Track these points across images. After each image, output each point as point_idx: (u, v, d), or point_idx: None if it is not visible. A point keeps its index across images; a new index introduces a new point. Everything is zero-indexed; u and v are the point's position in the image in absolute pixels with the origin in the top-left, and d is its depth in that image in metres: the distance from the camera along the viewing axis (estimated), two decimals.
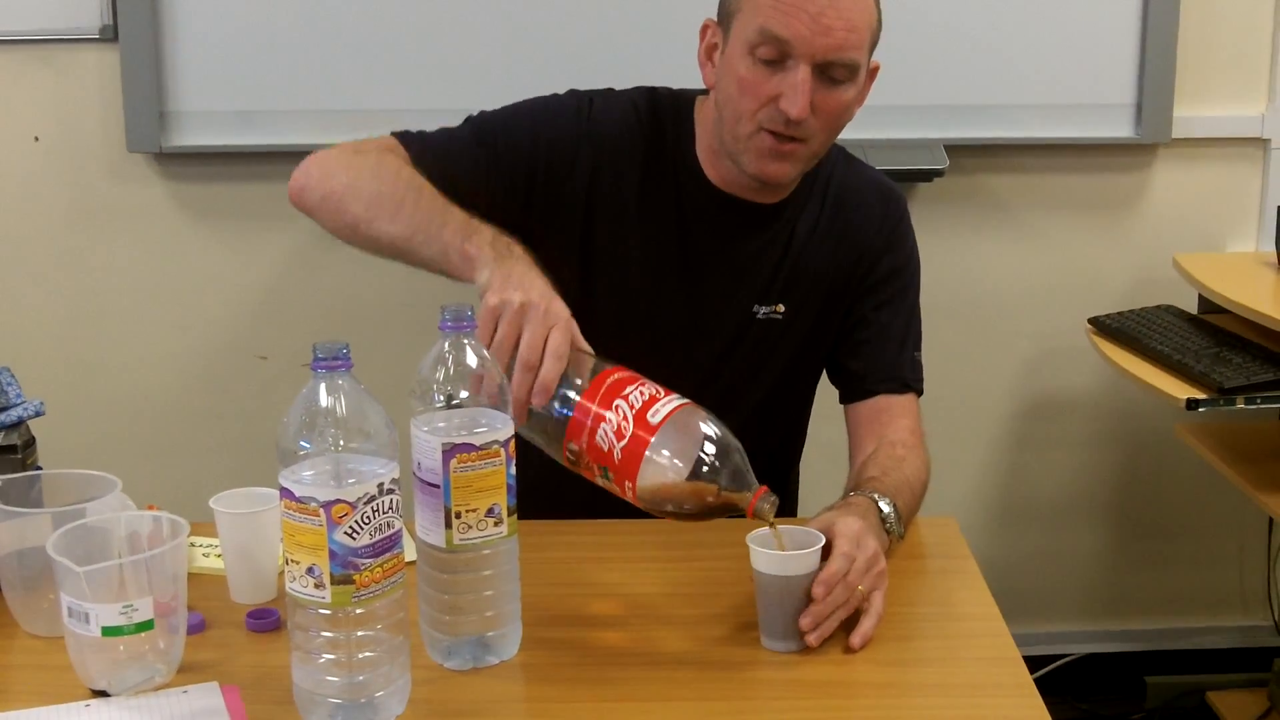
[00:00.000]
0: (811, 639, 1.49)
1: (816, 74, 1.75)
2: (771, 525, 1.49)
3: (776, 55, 1.74)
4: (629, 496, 1.45)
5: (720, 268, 1.86)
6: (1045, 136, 2.85)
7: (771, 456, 2.05)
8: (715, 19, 1.85)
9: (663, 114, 1.91)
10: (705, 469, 1.44)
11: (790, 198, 1.92)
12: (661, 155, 1.90)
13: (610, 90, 1.94)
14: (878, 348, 1.95)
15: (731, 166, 1.85)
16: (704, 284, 1.91)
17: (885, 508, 1.68)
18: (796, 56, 1.73)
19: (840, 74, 1.76)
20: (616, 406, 1.45)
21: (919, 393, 1.97)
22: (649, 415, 1.44)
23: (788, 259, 1.93)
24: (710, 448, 1.44)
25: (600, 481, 1.47)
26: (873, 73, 1.85)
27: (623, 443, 1.43)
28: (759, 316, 1.93)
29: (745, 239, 1.91)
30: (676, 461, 1.43)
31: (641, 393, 1.46)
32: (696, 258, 1.90)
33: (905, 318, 1.98)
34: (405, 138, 1.89)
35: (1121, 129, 2.86)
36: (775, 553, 1.49)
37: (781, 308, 1.94)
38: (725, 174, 1.88)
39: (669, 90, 1.95)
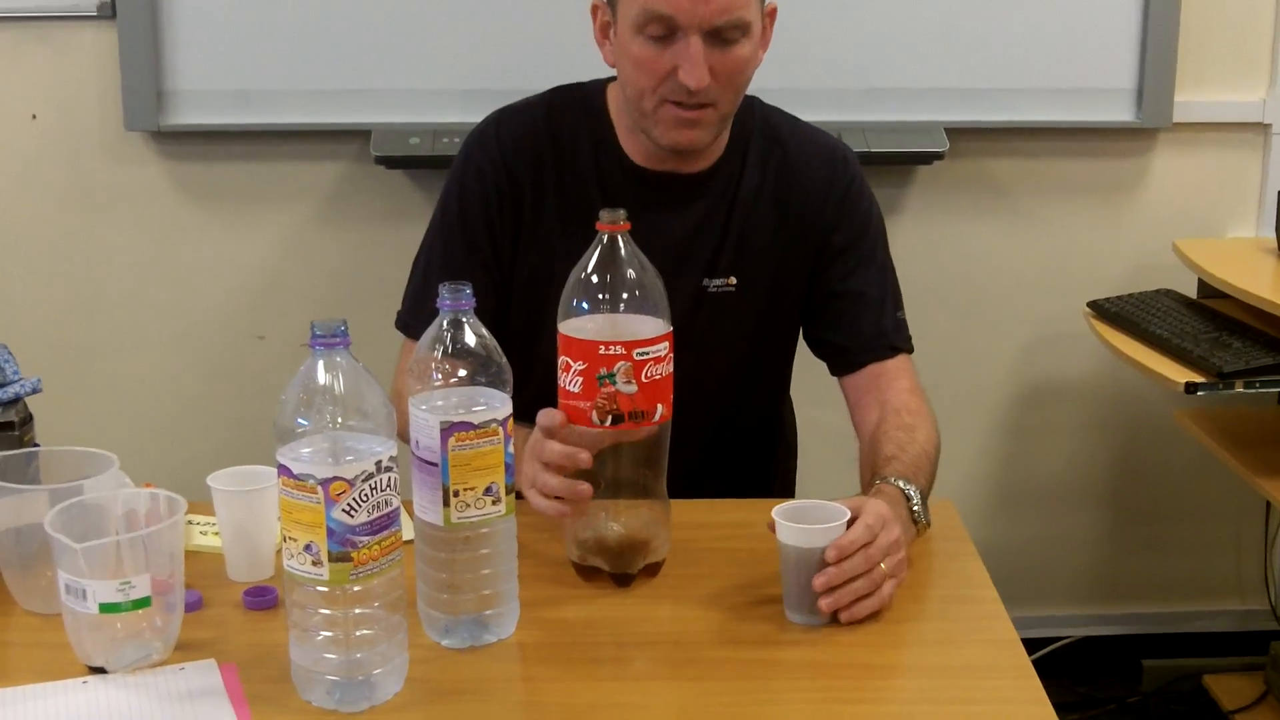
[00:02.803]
0: (824, 603, 1.49)
1: (708, 40, 1.76)
2: (621, 227, 1.54)
3: (665, 31, 1.76)
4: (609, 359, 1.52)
5: (661, 244, 1.82)
6: (1046, 120, 2.85)
7: (752, 432, 2.05)
8: None
9: (566, 109, 1.94)
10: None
11: (721, 165, 1.92)
12: (575, 147, 1.92)
13: (516, 104, 1.97)
14: (856, 317, 1.95)
15: (648, 141, 1.87)
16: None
17: (913, 494, 1.68)
18: (684, 29, 1.75)
19: (732, 34, 1.77)
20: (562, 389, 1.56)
21: (909, 351, 1.97)
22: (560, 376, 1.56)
23: (731, 229, 1.93)
24: None
25: (622, 387, 1.52)
26: (771, 14, 1.86)
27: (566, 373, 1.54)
28: (710, 290, 1.93)
29: (681, 212, 1.91)
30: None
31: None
32: (635, 238, 1.90)
33: (877, 280, 1.97)
34: (408, 330, 1.97)
35: (1122, 113, 2.85)
36: (798, 526, 1.50)
37: (733, 280, 1.93)
38: (645, 149, 1.90)
39: (576, 84, 1.97)
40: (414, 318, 1.96)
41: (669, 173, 1.91)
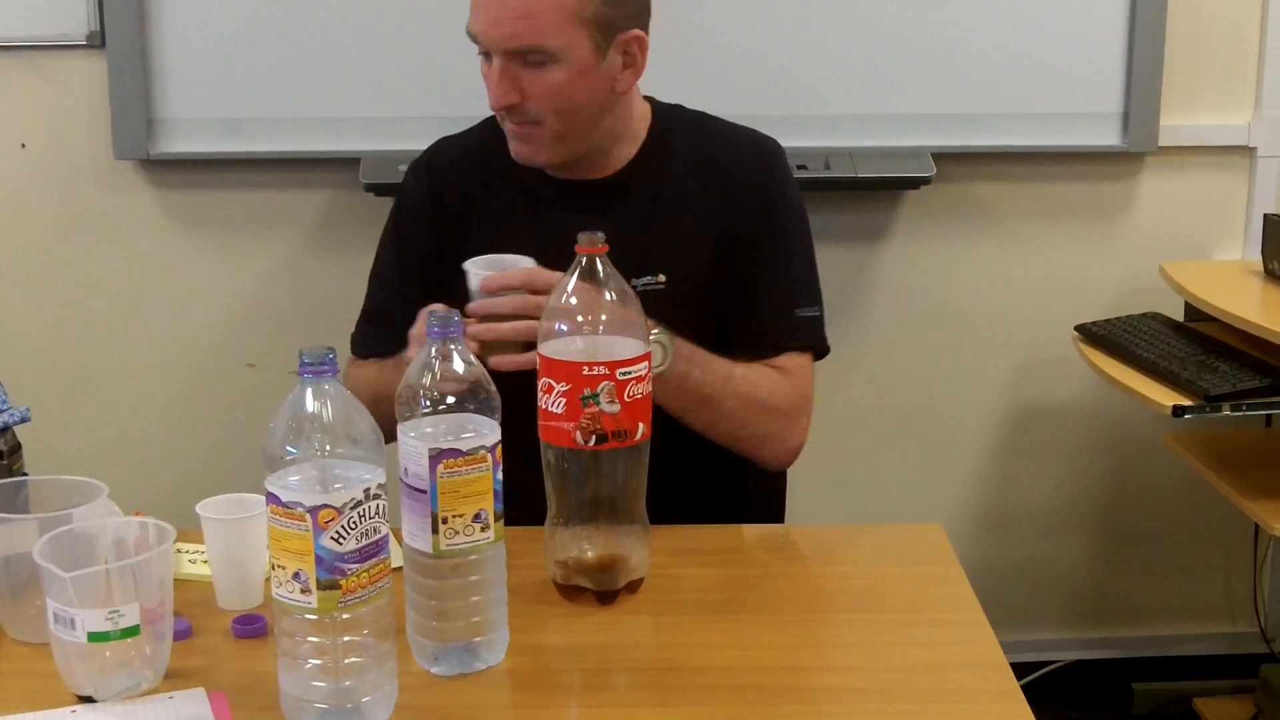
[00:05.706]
0: (470, 329, 1.60)
1: (516, 61, 1.84)
2: (599, 250, 1.55)
3: (483, 50, 1.87)
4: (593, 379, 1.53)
5: None
6: (1032, 145, 2.86)
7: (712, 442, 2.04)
8: None
9: (497, 131, 1.99)
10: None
11: (637, 166, 1.98)
12: (503, 164, 1.99)
13: (456, 133, 2.08)
14: (752, 309, 1.97)
15: None
16: None
17: (663, 330, 1.73)
18: (490, 49, 1.85)
19: (535, 58, 1.84)
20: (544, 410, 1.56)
21: (807, 349, 1.96)
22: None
23: (658, 228, 1.96)
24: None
25: (605, 408, 1.53)
26: (636, 40, 1.90)
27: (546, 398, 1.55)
28: (639, 289, 1.93)
29: (599, 215, 1.92)
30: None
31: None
32: (561, 244, 1.83)
33: (783, 273, 1.98)
34: (352, 345, 2.08)
35: (1108, 137, 2.87)
36: (480, 271, 1.62)
37: (662, 278, 1.96)
38: None
39: None
40: (358, 332, 2.08)
41: (581, 180, 1.97)
